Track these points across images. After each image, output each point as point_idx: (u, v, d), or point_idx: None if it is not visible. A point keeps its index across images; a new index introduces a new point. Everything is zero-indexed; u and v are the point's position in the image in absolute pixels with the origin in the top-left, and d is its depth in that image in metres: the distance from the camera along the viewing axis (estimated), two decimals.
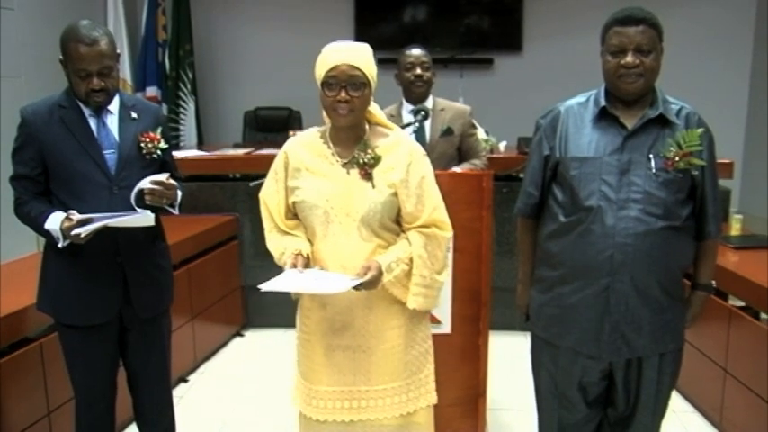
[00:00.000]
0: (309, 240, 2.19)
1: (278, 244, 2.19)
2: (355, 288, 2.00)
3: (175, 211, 2.50)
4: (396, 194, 2.13)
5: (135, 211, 2.34)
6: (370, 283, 2.04)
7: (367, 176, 2.13)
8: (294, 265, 2.06)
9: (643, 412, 2.27)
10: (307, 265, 2.09)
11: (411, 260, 2.15)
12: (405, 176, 2.13)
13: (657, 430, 2.35)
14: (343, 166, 2.14)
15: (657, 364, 2.22)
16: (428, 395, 2.30)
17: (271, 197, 2.22)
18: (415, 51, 3.52)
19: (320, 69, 2.09)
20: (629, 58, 2.06)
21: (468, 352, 2.89)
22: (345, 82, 2.06)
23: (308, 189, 2.14)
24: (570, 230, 2.16)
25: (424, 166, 2.19)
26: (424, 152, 2.23)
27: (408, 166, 2.14)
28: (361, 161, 2.13)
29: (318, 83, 2.10)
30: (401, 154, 2.16)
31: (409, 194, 2.13)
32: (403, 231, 2.20)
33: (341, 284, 1.99)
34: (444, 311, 2.82)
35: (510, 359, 3.63)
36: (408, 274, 2.15)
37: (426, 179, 2.18)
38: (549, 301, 2.26)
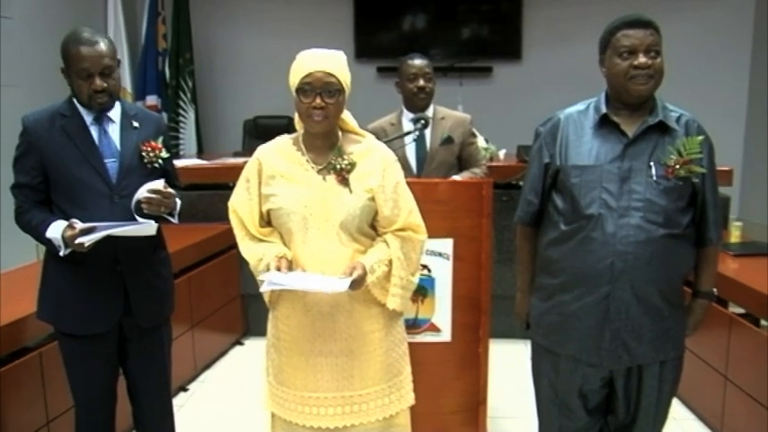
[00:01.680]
0: (286, 246, 2.20)
1: (254, 251, 2.20)
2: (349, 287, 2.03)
3: (175, 220, 2.51)
4: (373, 199, 2.16)
5: (136, 220, 2.34)
6: (357, 283, 2.06)
7: (344, 182, 2.15)
8: (278, 268, 2.07)
9: (644, 420, 2.27)
10: (290, 267, 2.11)
11: (390, 262, 2.18)
12: (381, 181, 2.17)
13: None
14: (319, 172, 2.17)
15: (658, 371, 2.22)
16: (407, 396, 2.33)
17: (242, 205, 2.22)
18: (418, 62, 3.50)
19: (295, 76, 2.11)
20: (642, 59, 2.06)
21: (468, 360, 2.89)
22: (320, 89, 2.08)
23: (284, 196, 2.15)
24: (570, 238, 2.17)
25: (397, 172, 2.23)
26: (396, 158, 2.26)
27: (383, 171, 2.18)
28: (338, 167, 2.15)
29: (293, 89, 2.12)
30: (375, 160, 2.20)
31: (386, 199, 2.17)
32: (379, 236, 2.23)
33: (337, 284, 2.01)
34: (444, 319, 2.82)
35: (510, 367, 3.63)
36: (388, 276, 2.19)
37: (400, 184, 2.22)
38: (550, 309, 2.26)
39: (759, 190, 5.93)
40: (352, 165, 2.16)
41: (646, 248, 2.08)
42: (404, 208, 2.20)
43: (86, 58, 2.31)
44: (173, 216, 2.48)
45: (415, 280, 2.29)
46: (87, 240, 2.24)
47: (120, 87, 2.50)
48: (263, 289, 2.06)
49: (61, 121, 2.40)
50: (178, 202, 2.48)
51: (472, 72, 6.53)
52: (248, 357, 4.63)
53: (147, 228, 2.34)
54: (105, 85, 2.35)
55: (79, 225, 2.27)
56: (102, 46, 2.34)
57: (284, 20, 6.55)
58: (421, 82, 3.47)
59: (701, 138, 2.12)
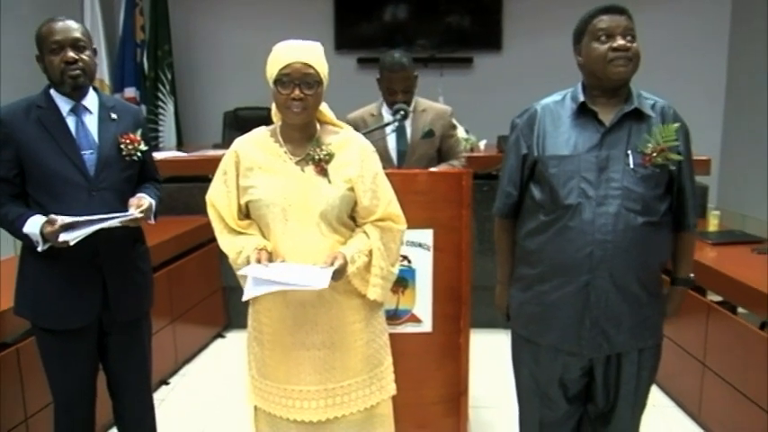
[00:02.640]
0: (265, 239, 2.19)
1: (233, 244, 2.19)
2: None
3: (152, 221, 2.49)
4: (352, 189, 2.16)
5: (116, 212, 2.32)
6: (338, 273, 2.06)
7: (322, 172, 2.15)
8: (258, 261, 2.06)
9: (623, 407, 2.28)
10: (270, 259, 2.10)
11: (370, 252, 2.18)
12: (360, 171, 2.17)
13: (637, 425, 2.36)
14: (297, 163, 2.16)
15: (637, 359, 2.23)
16: (389, 386, 2.35)
17: (220, 198, 2.21)
18: (397, 74, 3.41)
19: (273, 67, 2.10)
20: (621, 41, 2.08)
21: (449, 350, 2.89)
22: (299, 80, 2.07)
23: (263, 187, 2.14)
24: (549, 228, 2.17)
25: (375, 162, 2.23)
26: (374, 149, 2.26)
27: (362, 162, 2.18)
28: (316, 157, 2.15)
29: (270, 81, 2.12)
30: (353, 150, 2.20)
31: (365, 189, 2.17)
32: (358, 226, 2.23)
33: (319, 276, 1.99)
34: (425, 310, 2.83)
35: (491, 357, 3.64)
36: (368, 266, 2.19)
37: (379, 174, 2.22)
38: (530, 300, 2.27)
39: (737, 179, 5.99)
40: (331, 155, 2.16)
41: (624, 237, 2.09)
42: (383, 198, 2.20)
43: (57, 32, 2.32)
44: (149, 219, 2.46)
45: (395, 270, 2.30)
46: (72, 239, 2.22)
47: (95, 71, 2.47)
48: (247, 297, 2.03)
49: (37, 112, 2.37)
50: (154, 205, 2.46)
51: (453, 63, 6.53)
52: (230, 350, 4.62)
53: (129, 218, 2.32)
54: (77, 56, 2.33)
55: (59, 220, 2.23)
56: (73, 23, 2.35)
57: (264, 11, 6.51)
58: (399, 96, 3.42)
59: (676, 125, 2.13)
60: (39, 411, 2.85)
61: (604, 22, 2.10)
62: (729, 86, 6.34)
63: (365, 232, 2.20)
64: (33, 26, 2.39)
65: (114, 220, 2.29)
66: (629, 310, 2.16)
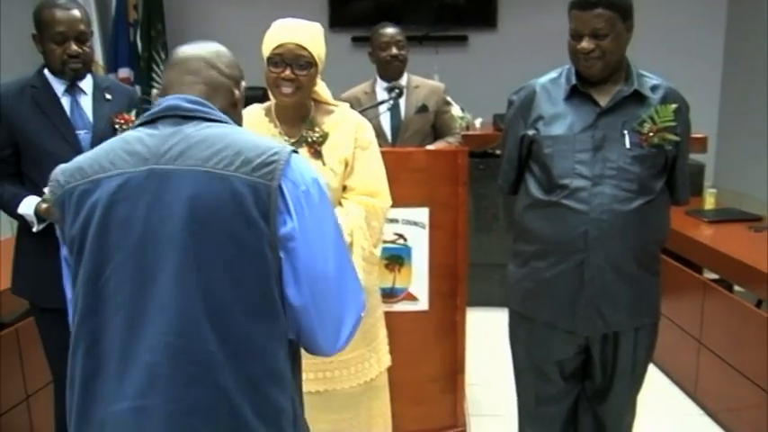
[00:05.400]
0: None
1: None
2: None
3: None
4: (347, 167, 2.16)
5: None
6: None
7: (316, 154, 2.15)
8: None
9: (620, 385, 2.30)
10: None
11: (352, 232, 2.15)
12: (353, 149, 2.16)
13: (634, 402, 2.38)
14: (292, 145, 2.14)
15: (633, 337, 2.24)
16: (384, 357, 2.38)
17: None
18: (389, 30, 3.50)
19: (267, 45, 2.09)
20: (584, 44, 2.06)
21: (445, 328, 2.90)
22: (291, 60, 2.06)
23: None
24: (545, 207, 2.18)
25: (368, 137, 2.22)
26: (370, 125, 2.25)
27: (355, 139, 2.17)
28: (309, 139, 2.15)
29: (264, 58, 2.09)
30: (347, 129, 2.19)
31: (354, 165, 2.16)
32: (339, 201, 2.20)
33: None
34: (421, 288, 2.83)
35: (488, 334, 3.65)
36: (350, 246, 2.15)
37: (369, 149, 2.20)
38: (526, 276, 2.28)
39: (733, 157, 5.98)
40: (324, 136, 2.15)
41: (620, 216, 2.09)
42: (368, 172, 2.20)
43: (62, 22, 2.29)
44: None
45: (378, 252, 2.28)
46: None
47: (93, 58, 2.47)
48: None
49: (31, 91, 2.37)
50: None
51: (448, 41, 6.47)
52: None
53: None
54: (80, 50, 2.32)
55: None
56: (78, 12, 2.33)
57: None
58: (394, 50, 3.46)
59: (674, 105, 2.12)
60: (39, 390, 2.86)
61: (573, 20, 2.09)
62: (726, 63, 6.31)
63: (346, 210, 2.17)
64: (29, 3, 2.37)
65: None
66: (625, 289, 2.16)
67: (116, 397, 1.27)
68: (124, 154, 1.31)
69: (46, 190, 2.23)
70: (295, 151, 1.35)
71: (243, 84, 1.52)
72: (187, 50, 1.45)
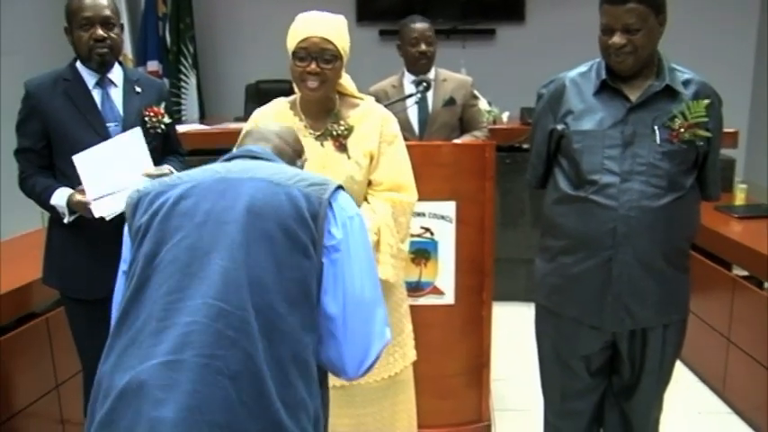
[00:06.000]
0: None
1: None
2: None
3: None
4: (372, 161, 2.16)
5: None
6: None
7: (341, 148, 2.15)
8: None
9: (647, 381, 2.28)
10: None
11: (379, 230, 2.15)
12: (378, 143, 2.16)
13: (661, 399, 2.36)
14: (317, 138, 2.15)
15: (661, 334, 2.22)
16: (410, 352, 2.38)
17: None
18: (419, 25, 3.48)
19: (292, 39, 2.08)
20: (616, 39, 2.03)
21: (471, 323, 2.90)
22: (316, 54, 2.05)
23: None
24: (573, 202, 2.16)
25: (394, 131, 2.21)
26: (395, 119, 2.25)
27: (380, 133, 2.17)
28: (334, 133, 2.15)
29: (289, 52, 2.09)
30: (373, 122, 2.18)
31: (380, 159, 2.16)
32: (366, 197, 2.20)
33: None
34: (448, 282, 2.83)
35: (513, 329, 3.64)
36: (377, 245, 2.15)
37: (395, 143, 2.20)
38: (553, 271, 2.27)
39: (765, 152, 5.90)
40: (350, 130, 2.15)
41: (649, 212, 2.07)
42: (394, 166, 2.19)
43: (88, 8, 2.34)
44: None
45: (405, 247, 2.27)
46: (108, 215, 2.26)
47: (122, 47, 2.50)
48: None
49: (63, 84, 2.40)
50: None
51: (475, 35, 6.45)
52: None
53: (132, 136, 2.36)
54: (105, 35, 2.35)
55: (88, 193, 2.28)
56: (104, 0, 2.37)
57: None
58: (423, 46, 3.44)
59: (706, 101, 2.08)
60: (69, 379, 2.90)
61: (605, 15, 2.06)
62: (758, 57, 6.22)
63: (372, 208, 2.17)
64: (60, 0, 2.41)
65: (116, 142, 2.34)
66: (653, 286, 2.14)
67: (147, 356, 1.32)
68: (201, 171, 1.50)
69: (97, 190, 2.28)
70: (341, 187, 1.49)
71: (305, 157, 1.73)
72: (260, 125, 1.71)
